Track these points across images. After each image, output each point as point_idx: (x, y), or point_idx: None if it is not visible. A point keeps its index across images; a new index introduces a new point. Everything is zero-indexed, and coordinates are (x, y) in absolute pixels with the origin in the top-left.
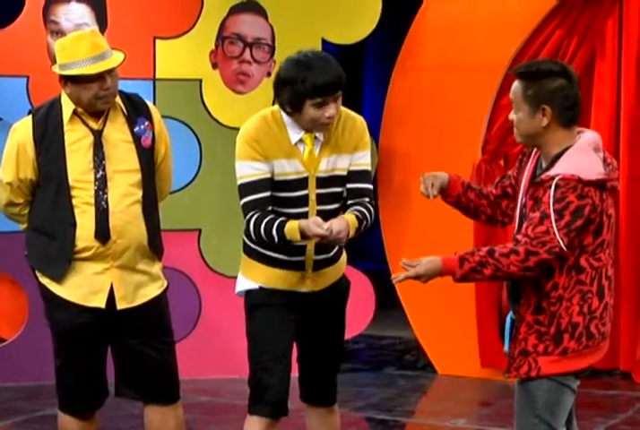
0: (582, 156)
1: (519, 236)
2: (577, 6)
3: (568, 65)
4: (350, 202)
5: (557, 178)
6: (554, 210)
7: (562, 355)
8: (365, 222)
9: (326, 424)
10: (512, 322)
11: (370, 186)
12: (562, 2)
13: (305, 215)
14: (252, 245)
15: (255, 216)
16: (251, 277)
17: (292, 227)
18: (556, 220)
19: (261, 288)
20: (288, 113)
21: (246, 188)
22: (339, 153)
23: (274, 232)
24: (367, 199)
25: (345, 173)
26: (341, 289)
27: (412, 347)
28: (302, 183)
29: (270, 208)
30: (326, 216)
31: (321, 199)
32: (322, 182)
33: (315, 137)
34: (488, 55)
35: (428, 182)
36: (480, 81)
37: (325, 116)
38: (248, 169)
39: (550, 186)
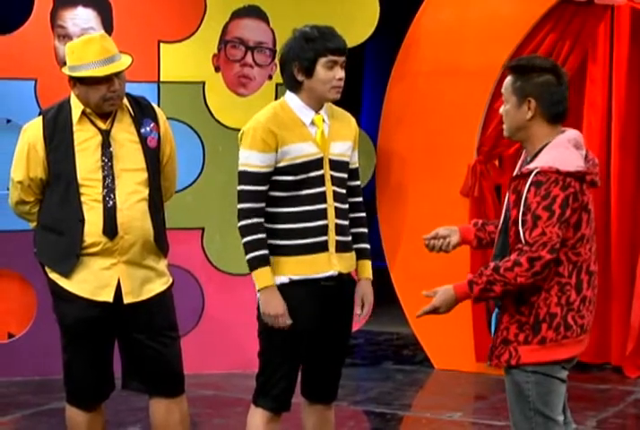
0: (560, 150)
1: (520, 245)
2: (569, 11)
3: (559, 65)
4: (352, 201)
5: (535, 171)
6: (543, 208)
7: (541, 344)
8: (368, 241)
9: (323, 420)
10: (497, 317)
11: (359, 183)
12: (555, 7)
13: (322, 195)
14: (276, 242)
15: (250, 221)
16: (279, 272)
17: (264, 276)
18: (548, 218)
19: (291, 281)
20: (298, 84)
21: (248, 177)
22: (344, 139)
23: (250, 255)
24: (358, 199)
25: (348, 160)
26: (349, 287)
27: (410, 342)
28: (318, 163)
29: (263, 204)
30: (340, 197)
31: (335, 181)
32: (334, 164)
33: (324, 120)
34: (482, 59)
35: (439, 241)
36: (475, 85)
37: (336, 77)
38: (254, 160)
39: (533, 183)
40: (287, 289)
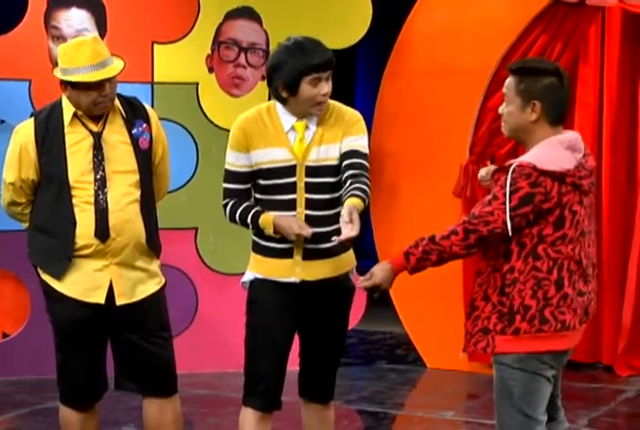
0: (545, 149)
1: (464, 217)
2: (561, 12)
3: (561, 67)
4: (346, 174)
5: (514, 164)
6: (503, 194)
7: (514, 334)
8: (367, 200)
9: (321, 419)
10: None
11: (365, 162)
12: (546, 8)
13: (293, 202)
14: (255, 239)
15: (232, 202)
16: (251, 269)
17: (267, 221)
18: (502, 203)
19: (256, 279)
20: (283, 100)
21: (229, 175)
22: (329, 143)
23: (249, 220)
24: (361, 171)
25: (336, 163)
26: (343, 289)
27: (402, 341)
28: (290, 170)
29: (244, 198)
30: (315, 205)
31: (310, 188)
32: (311, 171)
33: (308, 127)
34: (475, 59)
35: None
36: (468, 85)
37: (321, 93)
38: (233, 159)
39: (508, 172)
40: (256, 286)
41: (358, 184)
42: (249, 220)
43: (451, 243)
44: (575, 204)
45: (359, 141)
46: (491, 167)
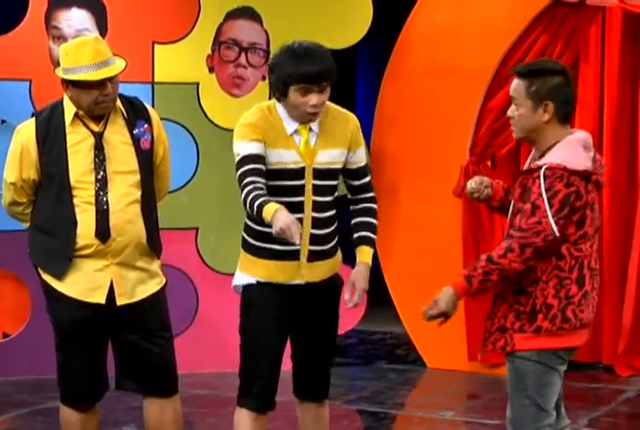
0: (569, 149)
1: (512, 231)
2: (561, 12)
3: (565, 66)
4: (355, 197)
5: (544, 167)
6: (543, 200)
7: (535, 333)
8: (376, 231)
9: (316, 418)
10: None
11: (369, 178)
12: (547, 8)
13: (300, 204)
14: (250, 240)
15: (251, 186)
16: (249, 272)
17: (269, 210)
18: (546, 210)
19: (258, 283)
20: (278, 99)
21: (243, 160)
22: (334, 147)
23: (255, 205)
24: (369, 194)
25: (340, 166)
26: (334, 287)
27: (403, 341)
28: (299, 173)
29: (263, 180)
30: (321, 207)
31: (317, 190)
32: (319, 174)
33: (311, 129)
34: (475, 59)
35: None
36: (468, 85)
37: (309, 104)
38: (246, 147)
39: (539, 176)
40: (255, 289)
41: (366, 218)
42: (255, 206)
43: (509, 260)
44: (595, 202)
45: (363, 153)
46: (477, 178)
